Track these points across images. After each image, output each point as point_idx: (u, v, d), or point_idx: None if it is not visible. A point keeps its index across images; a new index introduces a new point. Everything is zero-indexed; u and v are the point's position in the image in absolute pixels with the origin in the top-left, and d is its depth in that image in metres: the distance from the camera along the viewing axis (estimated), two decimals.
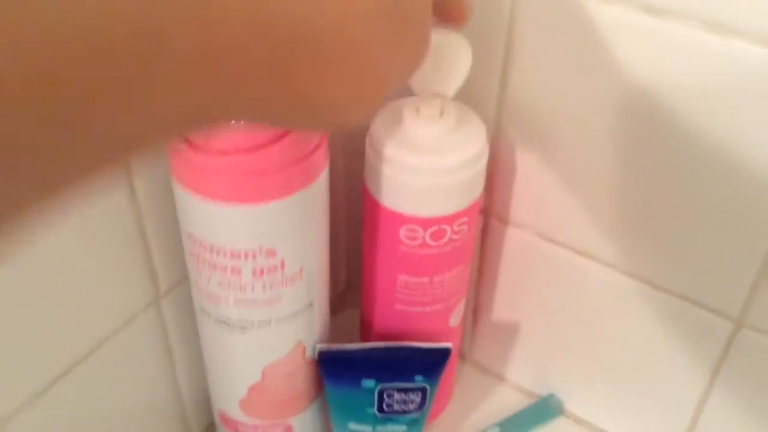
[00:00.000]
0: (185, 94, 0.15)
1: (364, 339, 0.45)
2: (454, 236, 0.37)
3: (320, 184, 0.33)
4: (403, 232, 0.37)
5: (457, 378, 0.49)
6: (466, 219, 0.37)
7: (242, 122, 0.19)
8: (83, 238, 0.32)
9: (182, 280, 0.38)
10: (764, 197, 0.34)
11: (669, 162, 0.35)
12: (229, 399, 0.39)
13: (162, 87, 0.15)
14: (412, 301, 0.40)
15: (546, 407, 0.48)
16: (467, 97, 0.37)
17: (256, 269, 0.33)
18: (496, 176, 0.41)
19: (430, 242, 0.37)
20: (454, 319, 0.42)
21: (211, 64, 0.16)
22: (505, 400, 0.49)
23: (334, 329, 0.41)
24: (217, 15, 0.15)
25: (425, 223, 0.36)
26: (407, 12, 0.21)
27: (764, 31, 0.30)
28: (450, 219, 0.36)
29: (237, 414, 0.39)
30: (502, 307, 0.47)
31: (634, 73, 0.34)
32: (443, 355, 0.39)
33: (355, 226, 0.47)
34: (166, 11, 0.14)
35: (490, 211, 0.43)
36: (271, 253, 0.32)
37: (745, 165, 0.33)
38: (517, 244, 0.44)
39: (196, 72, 0.15)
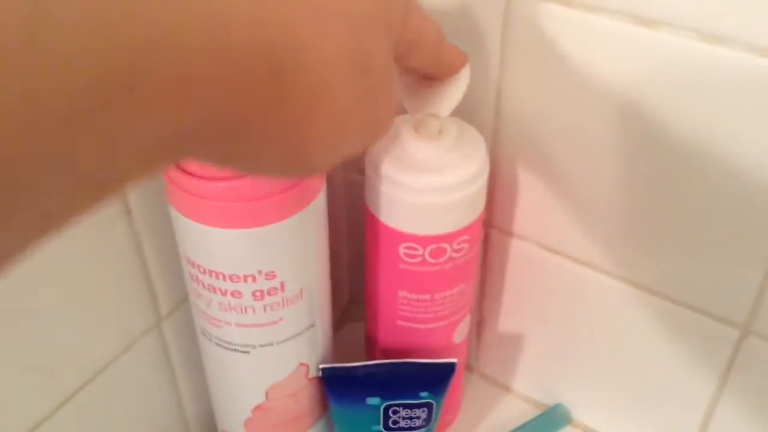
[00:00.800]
0: (157, 128, 0.15)
1: (369, 353, 0.45)
2: (455, 254, 0.37)
3: (317, 206, 0.32)
4: (402, 250, 0.37)
5: (463, 390, 0.48)
6: (466, 237, 0.37)
7: (208, 161, 0.18)
8: (80, 264, 0.32)
9: (183, 302, 0.38)
10: (767, 204, 0.33)
11: (669, 171, 0.35)
12: (233, 419, 0.39)
13: (139, 117, 0.14)
14: (414, 318, 0.40)
15: (553, 417, 0.48)
16: (463, 110, 0.37)
17: (257, 292, 0.32)
18: (497, 187, 0.41)
19: (430, 260, 0.37)
20: (458, 336, 0.42)
21: (187, 94, 0.15)
22: (512, 411, 0.49)
23: (338, 343, 0.41)
24: (188, 44, 0.15)
25: (424, 241, 0.36)
26: (374, 75, 0.20)
27: (755, 39, 0.30)
28: (449, 237, 0.36)
29: None
30: (506, 318, 0.47)
31: (629, 83, 0.33)
32: (448, 370, 0.39)
33: (357, 239, 0.47)
34: (142, 45, 0.14)
35: (491, 223, 0.43)
36: (270, 275, 0.32)
37: (748, 172, 0.33)
38: (519, 255, 0.43)
39: (169, 103, 0.15)
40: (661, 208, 0.36)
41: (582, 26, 0.33)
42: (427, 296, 0.39)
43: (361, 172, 0.38)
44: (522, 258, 0.43)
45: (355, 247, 0.49)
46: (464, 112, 0.38)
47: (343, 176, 0.48)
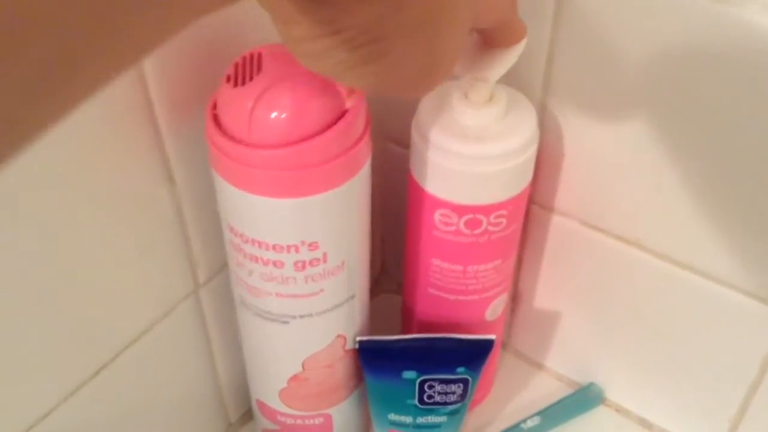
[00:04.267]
0: None
1: (405, 322, 0.45)
2: (491, 228, 0.36)
3: (363, 177, 0.32)
4: (437, 217, 0.36)
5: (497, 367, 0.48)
6: (504, 212, 0.36)
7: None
8: (121, 228, 0.32)
9: (221, 270, 0.38)
10: None
11: (726, 146, 0.34)
12: (268, 389, 0.39)
13: None
14: (445, 287, 0.39)
15: (586, 396, 0.47)
16: (510, 79, 0.36)
17: (299, 263, 0.32)
18: (541, 162, 0.40)
19: (465, 230, 0.36)
20: (491, 313, 0.41)
21: None
22: (545, 389, 0.48)
23: (371, 313, 0.41)
24: None
25: (459, 210, 0.35)
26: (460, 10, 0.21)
27: None
28: (486, 209, 0.35)
29: (276, 404, 0.39)
30: (542, 295, 0.46)
31: (693, 46, 0.32)
32: (486, 346, 0.38)
33: (390, 210, 0.46)
34: None
35: (532, 198, 0.42)
36: (313, 246, 0.32)
37: None
38: (560, 231, 0.42)
39: None
40: (712, 186, 0.35)
41: None
42: (459, 267, 0.38)
43: (399, 142, 0.37)
44: (563, 235, 0.42)
45: (388, 218, 0.48)
46: (509, 82, 0.37)
47: (379, 146, 0.47)
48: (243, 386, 0.42)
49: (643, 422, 0.46)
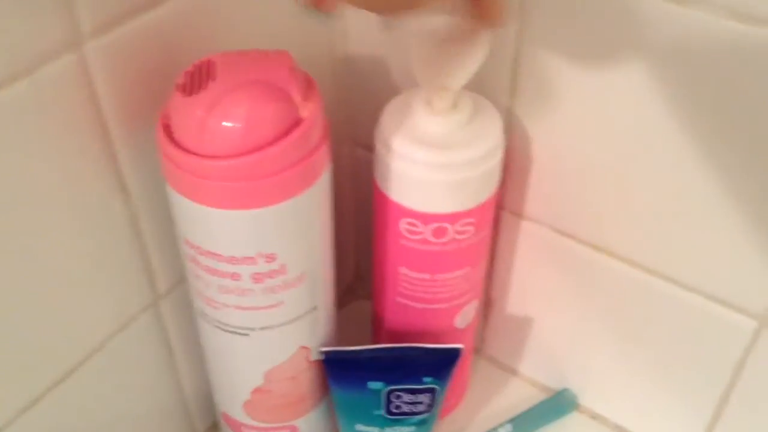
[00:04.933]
0: None
1: (375, 330, 0.44)
2: (458, 236, 0.35)
3: (321, 186, 0.31)
4: (403, 225, 0.36)
5: (470, 373, 0.47)
6: (471, 220, 0.35)
7: None
8: (75, 240, 0.31)
9: (182, 281, 0.37)
10: None
11: (693, 150, 0.33)
12: (232, 401, 0.38)
13: None
14: (413, 296, 0.39)
15: (560, 402, 0.47)
16: (475, 84, 0.36)
17: (256, 275, 0.31)
18: (509, 167, 0.40)
19: (431, 239, 0.35)
20: (462, 320, 0.40)
21: None
22: (519, 395, 0.48)
23: (343, 321, 0.40)
24: None
25: (425, 218, 0.35)
26: None
27: None
28: (452, 217, 0.35)
29: (240, 416, 0.38)
30: (515, 301, 0.46)
31: (658, 51, 0.31)
32: (453, 356, 0.37)
33: (364, 215, 0.46)
34: None
35: (502, 204, 0.41)
36: (271, 258, 0.31)
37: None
38: (530, 237, 0.42)
39: None
40: (680, 192, 0.35)
41: None
42: (427, 275, 0.37)
43: (369, 147, 0.36)
44: (533, 241, 0.42)
45: (362, 223, 0.47)
46: (475, 88, 0.36)
47: (350, 152, 0.46)
48: (209, 398, 0.41)
49: (617, 428, 0.46)
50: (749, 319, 0.36)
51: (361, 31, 0.41)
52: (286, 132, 0.28)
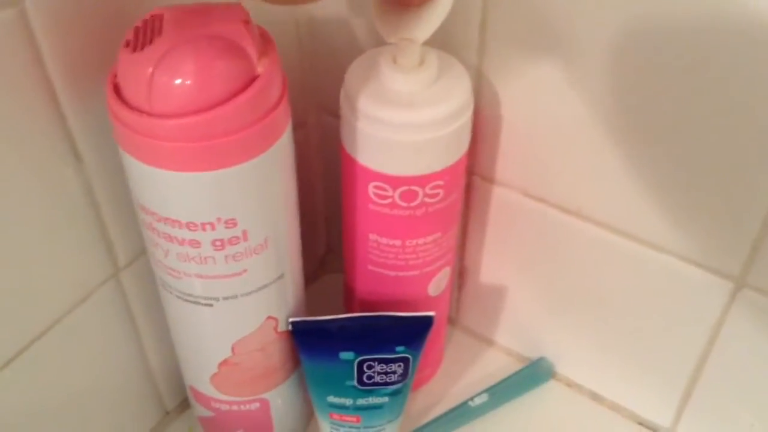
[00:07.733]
0: None
1: (347, 304, 0.43)
2: (428, 200, 0.34)
3: (282, 146, 0.30)
4: (371, 189, 0.35)
5: (445, 344, 0.47)
6: (441, 182, 0.34)
7: None
8: (26, 210, 0.30)
9: (144, 253, 0.36)
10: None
11: (666, 112, 0.32)
12: (199, 375, 0.37)
13: None
14: (384, 263, 0.38)
15: (536, 371, 0.46)
16: (442, 42, 0.34)
17: (217, 241, 0.30)
18: (479, 130, 0.39)
19: (401, 203, 0.34)
20: (435, 288, 0.40)
21: None
22: (495, 365, 0.47)
23: (315, 295, 0.39)
24: None
25: (393, 181, 0.34)
26: None
27: None
28: (421, 180, 0.34)
29: (209, 390, 0.37)
30: (488, 270, 0.45)
31: (631, 6, 0.30)
32: (426, 324, 0.37)
33: (333, 187, 0.44)
34: None
35: (473, 169, 0.41)
36: (231, 223, 0.30)
37: (751, 116, 0.30)
38: (502, 203, 0.41)
39: None
40: (654, 153, 0.34)
41: None
42: (398, 242, 0.36)
43: (336, 114, 0.35)
44: (505, 206, 0.41)
45: (332, 195, 0.46)
46: (442, 46, 0.35)
47: (317, 120, 0.45)
48: (178, 375, 0.40)
49: (594, 396, 0.45)
50: (725, 280, 0.36)
51: None
52: (242, 89, 0.27)
